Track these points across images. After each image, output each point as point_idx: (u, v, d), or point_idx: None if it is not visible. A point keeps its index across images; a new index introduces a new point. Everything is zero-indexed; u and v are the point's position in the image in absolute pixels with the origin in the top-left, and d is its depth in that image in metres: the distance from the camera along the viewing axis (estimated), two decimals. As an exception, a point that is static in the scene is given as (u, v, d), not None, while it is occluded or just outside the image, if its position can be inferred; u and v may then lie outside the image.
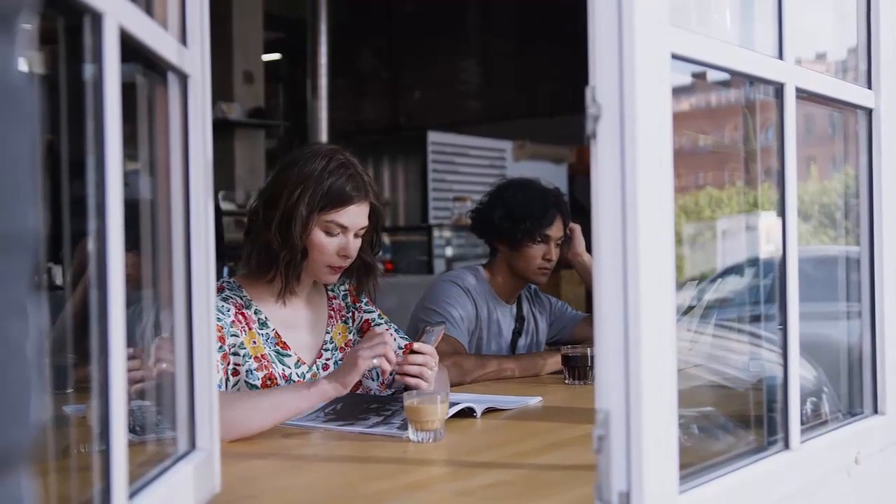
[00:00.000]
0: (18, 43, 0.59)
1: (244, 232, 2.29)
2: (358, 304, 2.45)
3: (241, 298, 2.23)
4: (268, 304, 2.27)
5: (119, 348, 1.02)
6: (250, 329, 2.20)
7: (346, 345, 2.38)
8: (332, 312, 2.39)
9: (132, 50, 1.13)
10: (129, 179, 1.10)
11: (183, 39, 1.36)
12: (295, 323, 2.30)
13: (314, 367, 2.29)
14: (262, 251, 2.22)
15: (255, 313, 2.24)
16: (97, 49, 1.01)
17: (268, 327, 2.24)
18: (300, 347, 2.29)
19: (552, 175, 7.02)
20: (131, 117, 1.24)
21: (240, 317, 2.18)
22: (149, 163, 1.37)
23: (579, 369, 2.65)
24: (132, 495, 1.09)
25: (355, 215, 2.23)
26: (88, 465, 1.16)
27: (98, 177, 1.01)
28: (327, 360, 2.33)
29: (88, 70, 1.02)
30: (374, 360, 1.97)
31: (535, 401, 2.37)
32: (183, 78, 1.35)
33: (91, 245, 1.03)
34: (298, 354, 2.27)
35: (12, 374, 0.57)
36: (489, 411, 2.19)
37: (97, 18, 1.00)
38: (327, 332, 2.36)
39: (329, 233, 2.21)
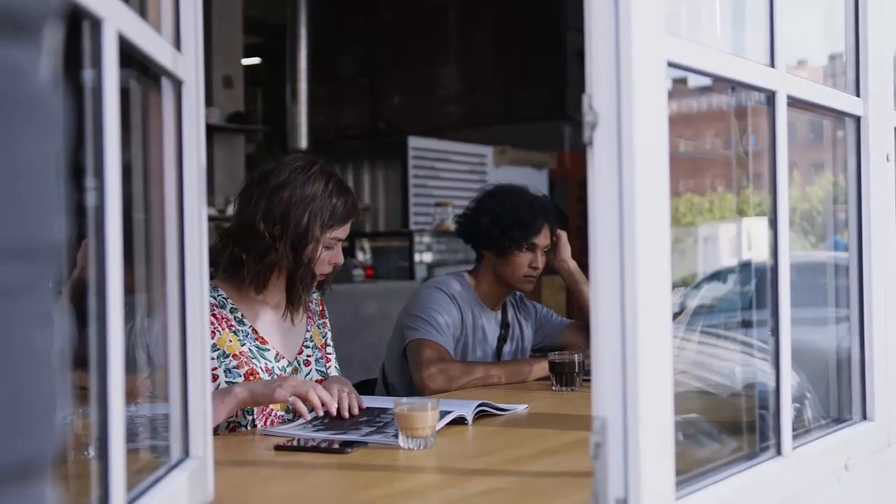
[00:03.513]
0: (44, 51, 0.59)
1: (241, 247, 2.28)
2: (323, 319, 2.54)
3: (216, 298, 2.26)
4: (247, 304, 2.32)
5: (117, 356, 1.01)
6: (224, 329, 2.24)
7: (321, 346, 2.48)
8: (309, 313, 2.48)
9: (128, 55, 1.12)
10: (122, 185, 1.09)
11: (177, 45, 1.35)
12: (274, 321, 2.36)
13: (295, 363, 2.37)
14: (269, 268, 2.27)
15: (231, 312, 2.29)
16: (96, 54, 1.00)
17: (245, 325, 2.29)
18: (278, 344, 2.35)
19: (533, 181, 7.03)
20: (125, 122, 1.23)
21: (211, 318, 2.19)
22: (142, 168, 1.36)
23: (566, 375, 2.65)
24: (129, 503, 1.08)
25: (349, 228, 2.36)
26: (80, 473, 1.15)
27: (97, 182, 1.00)
28: (308, 356, 2.42)
29: (87, 75, 1.01)
30: (290, 399, 2.05)
31: (521, 408, 2.37)
32: (177, 84, 1.34)
33: (85, 250, 1.02)
34: (277, 349, 2.33)
35: (39, 383, 0.56)
36: (481, 415, 2.19)
37: (96, 24, 0.99)
38: (307, 331, 2.44)
39: (328, 248, 2.31)
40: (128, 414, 1.39)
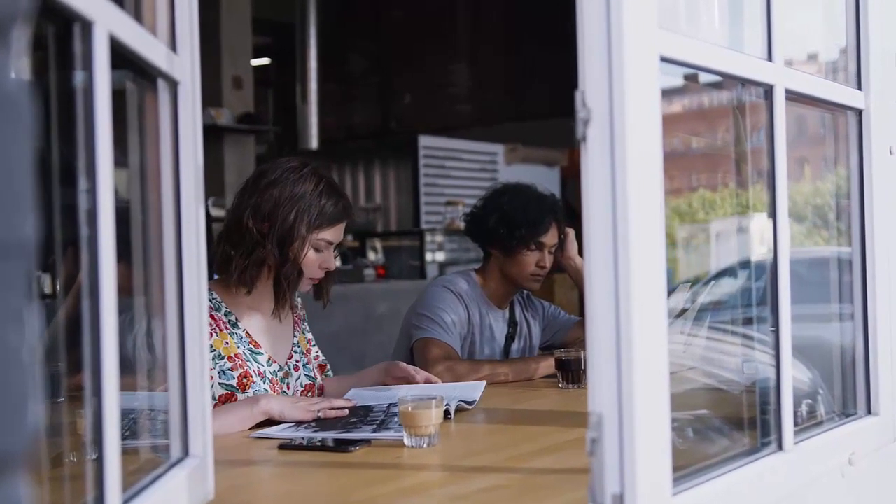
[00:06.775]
0: (14, 51, 0.59)
1: (231, 243, 2.31)
2: (305, 324, 2.57)
3: (211, 301, 2.29)
4: (239, 308, 2.35)
5: (111, 356, 1.02)
6: (221, 331, 2.28)
7: (306, 351, 2.51)
8: (296, 319, 2.52)
9: (121, 56, 1.12)
10: (118, 187, 1.09)
11: (173, 46, 1.35)
12: (264, 326, 2.39)
13: (286, 367, 2.40)
14: (256, 265, 2.29)
15: (226, 315, 2.32)
16: (87, 57, 1.01)
17: (239, 328, 2.32)
18: (269, 348, 2.37)
19: (544, 178, 7.03)
20: (121, 124, 1.23)
21: (209, 319, 2.22)
22: (139, 170, 1.36)
23: (573, 373, 2.65)
24: (126, 502, 1.09)
25: (340, 232, 2.37)
26: (80, 474, 1.15)
27: (89, 184, 1.01)
28: (297, 361, 2.45)
29: (78, 77, 1.02)
30: (320, 414, 2.14)
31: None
32: (173, 85, 1.35)
33: (82, 253, 1.03)
34: (268, 353, 2.36)
35: (10, 380, 0.57)
36: (483, 413, 2.21)
37: (87, 26, 1.00)
38: (294, 336, 2.48)
39: (317, 249, 2.33)
40: (128, 413, 1.40)
